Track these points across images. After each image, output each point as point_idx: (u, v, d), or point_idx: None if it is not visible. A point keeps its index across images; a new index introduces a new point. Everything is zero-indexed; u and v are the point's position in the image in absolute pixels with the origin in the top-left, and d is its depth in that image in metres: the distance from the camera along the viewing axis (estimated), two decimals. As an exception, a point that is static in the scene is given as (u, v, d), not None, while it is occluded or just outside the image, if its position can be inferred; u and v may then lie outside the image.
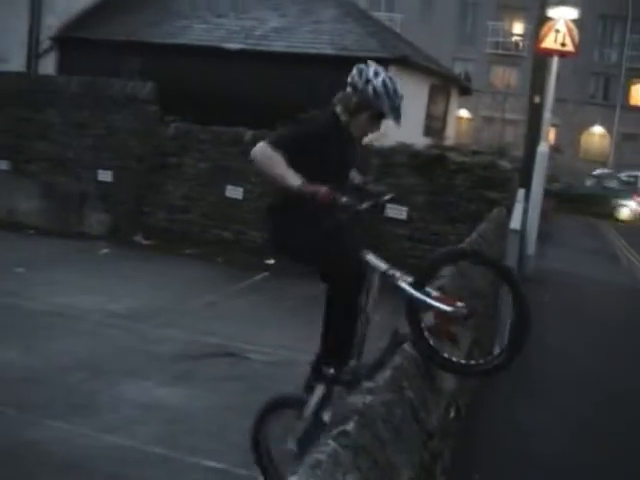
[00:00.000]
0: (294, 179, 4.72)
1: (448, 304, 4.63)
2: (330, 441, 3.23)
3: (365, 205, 5.02)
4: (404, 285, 4.70)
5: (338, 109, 5.18)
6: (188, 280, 15.28)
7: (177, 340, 11.30)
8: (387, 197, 5.35)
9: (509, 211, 13.33)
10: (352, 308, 4.99)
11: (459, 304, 4.64)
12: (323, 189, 4.63)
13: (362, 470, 3.23)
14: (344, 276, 4.94)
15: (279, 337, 11.58)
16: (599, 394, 8.67)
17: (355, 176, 5.48)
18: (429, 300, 4.64)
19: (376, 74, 5.03)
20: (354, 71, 5.11)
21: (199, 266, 16.62)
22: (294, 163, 4.82)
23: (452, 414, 5.72)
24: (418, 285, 4.68)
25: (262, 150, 4.83)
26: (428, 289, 4.72)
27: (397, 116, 5.05)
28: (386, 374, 4.23)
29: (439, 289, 5.40)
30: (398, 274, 4.78)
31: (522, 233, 12.09)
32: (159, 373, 9.88)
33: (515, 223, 9.55)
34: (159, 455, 7.50)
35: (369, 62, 5.16)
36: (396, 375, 4.29)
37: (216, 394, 9.27)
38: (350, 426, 3.41)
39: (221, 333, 11.64)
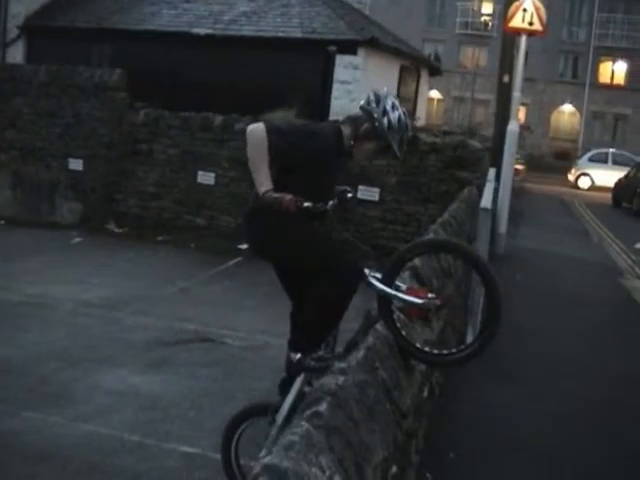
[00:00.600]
0: (265, 182, 4.70)
1: (419, 296, 4.65)
2: (303, 422, 3.24)
3: (330, 205, 5.02)
4: (374, 281, 4.71)
5: (345, 130, 5.07)
6: (161, 267, 15.27)
7: (152, 327, 11.29)
8: (349, 194, 5.33)
9: (480, 190, 13.38)
10: (337, 307, 4.95)
11: (430, 295, 4.67)
12: (287, 197, 4.62)
13: (335, 450, 3.24)
14: (339, 277, 4.86)
15: (253, 321, 11.59)
16: (572, 374, 8.70)
17: None
18: (400, 294, 4.66)
19: (394, 107, 4.97)
20: (371, 96, 5.02)
21: (172, 253, 16.60)
22: (285, 168, 4.85)
23: (425, 393, 5.75)
24: (388, 280, 4.69)
25: (255, 131, 4.76)
26: (398, 283, 4.74)
27: (402, 150, 5.06)
28: (359, 354, 4.23)
29: (413, 275, 5.42)
30: (367, 270, 4.78)
31: (493, 212, 12.13)
32: (134, 361, 9.88)
33: (486, 202, 9.57)
34: (135, 442, 7.51)
35: (387, 92, 5.10)
36: (369, 355, 4.29)
37: (192, 380, 9.29)
38: (323, 407, 3.42)
39: (196, 319, 11.64)
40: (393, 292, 4.66)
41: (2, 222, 18.59)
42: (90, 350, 10.17)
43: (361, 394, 3.90)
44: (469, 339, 8.81)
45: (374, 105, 4.97)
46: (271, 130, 4.76)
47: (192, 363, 9.88)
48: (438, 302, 4.68)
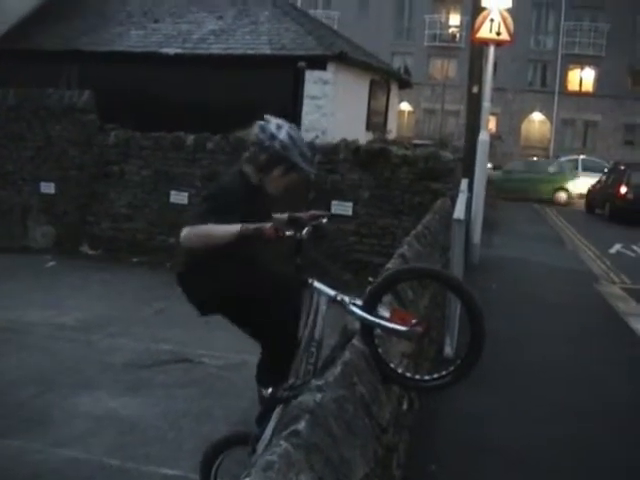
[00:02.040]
0: (232, 227, 4.70)
1: (402, 323, 4.57)
2: (282, 442, 3.20)
3: (305, 233, 4.98)
4: (355, 309, 4.65)
5: (247, 169, 5.12)
6: (136, 288, 15.19)
7: (128, 349, 11.21)
8: (324, 219, 5.32)
9: (454, 201, 13.41)
10: (290, 346, 4.98)
11: (414, 321, 4.59)
12: (267, 225, 4.62)
13: (316, 469, 3.22)
14: (280, 330, 5.02)
15: (229, 340, 11.42)
16: (551, 381, 8.73)
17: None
18: (383, 322, 4.58)
19: (279, 127, 5.04)
20: (256, 129, 5.08)
21: (147, 274, 16.52)
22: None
23: (405, 406, 5.74)
24: (369, 306, 4.63)
25: (188, 232, 4.78)
26: (380, 309, 4.67)
27: (309, 163, 5.10)
28: (336, 370, 4.19)
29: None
30: (347, 299, 4.73)
31: (467, 222, 12.15)
32: (112, 383, 9.79)
33: (459, 213, 9.56)
34: (114, 466, 7.44)
35: (267, 117, 5.14)
36: (346, 371, 4.26)
37: (170, 401, 9.23)
38: (301, 425, 3.38)
39: (172, 339, 11.58)
40: (376, 320, 4.59)
41: (-26, 248, 18.46)
42: (67, 374, 10.07)
43: (340, 410, 3.87)
44: (447, 350, 8.83)
45: (261, 136, 5.03)
46: (197, 222, 4.80)
47: (170, 384, 9.82)
48: (421, 330, 4.62)
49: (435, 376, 4.67)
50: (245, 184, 5.06)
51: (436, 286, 7.79)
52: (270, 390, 5.06)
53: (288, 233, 4.71)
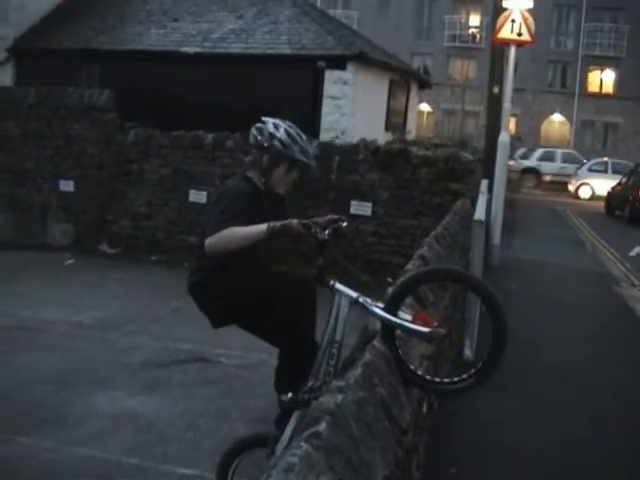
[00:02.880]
0: (259, 227, 4.70)
1: (425, 325, 4.52)
2: (302, 443, 3.16)
3: (327, 234, 4.92)
4: (377, 310, 4.60)
5: (251, 174, 5.19)
6: (155, 287, 15.19)
7: (146, 348, 11.21)
8: (343, 223, 5.26)
9: (473, 202, 13.34)
10: (307, 352, 4.99)
11: (435, 323, 4.54)
12: (294, 221, 4.64)
13: (336, 471, 3.18)
14: (297, 336, 5.07)
15: (247, 339, 11.42)
16: (571, 383, 8.66)
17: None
18: (406, 324, 4.53)
19: (276, 127, 5.10)
20: (254, 132, 5.16)
21: (165, 272, 16.52)
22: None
23: (425, 409, 5.69)
24: (391, 308, 4.59)
25: (213, 240, 4.78)
26: (402, 312, 4.64)
27: (309, 157, 5.12)
28: (356, 372, 4.14)
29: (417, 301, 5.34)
30: (369, 300, 4.69)
31: (487, 223, 12.09)
32: (129, 382, 9.79)
33: (479, 214, 9.51)
34: (132, 465, 7.42)
35: (264, 119, 5.20)
36: (367, 372, 4.22)
37: (188, 400, 9.21)
38: (322, 427, 3.34)
39: (190, 339, 11.55)
40: (398, 321, 4.54)
41: (-7, 245, 18.51)
42: (84, 372, 10.07)
43: (360, 412, 3.82)
44: (467, 352, 8.76)
45: (260, 138, 5.11)
46: (219, 229, 4.78)
47: (187, 383, 9.80)
48: (443, 331, 4.57)
49: (455, 379, 4.63)
50: (254, 189, 5.11)
51: (457, 287, 7.73)
52: (290, 395, 4.98)
53: (316, 229, 4.71)
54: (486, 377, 4.53)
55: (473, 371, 4.55)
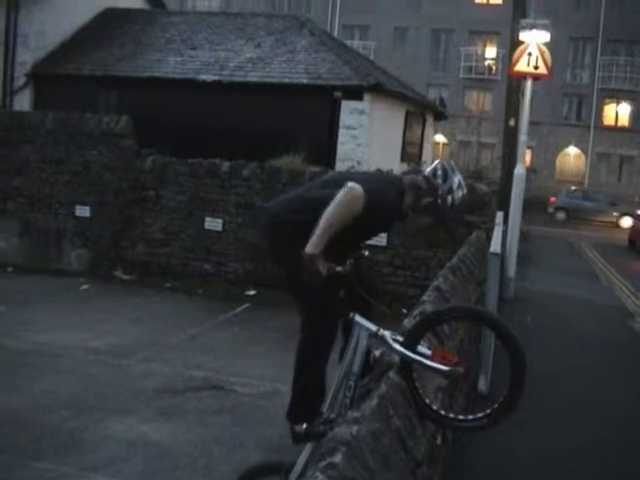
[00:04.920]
0: (319, 246, 4.48)
1: (444, 363, 4.53)
2: (318, 474, 3.17)
3: (348, 266, 4.77)
4: (397, 346, 4.60)
5: (407, 198, 4.86)
6: (170, 314, 15.20)
7: (161, 375, 11.22)
8: (365, 253, 5.11)
9: (488, 234, 13.34)
10: (312, 354, 4.85)
11: (455, 360, 4.54)
12: (326, 272, 4.48)
13: (352, 502, 3.19)
14: (320, 317, 4.78)
15: (263, 368, 11.52)
16: (588, 418, 8.63)
17: None
18: (425, 361, 4.54)
19: (459, 186, 4.82)
20: (439, 170, 4.85)
21: (180, 299, 16.55)
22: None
23: (439, 440, 5.68)
24: (410, 343, 4.59)
25: (356, 197, 4.48)
26: (421, 347, 4.64)
27: (453, 228, 5.03)
28: (372, 403, 4.14)
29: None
30: (388, 334, 4.68)
31: (502, 255, 12.10)
32: (144, 409, 9.80)
33: (495, 246, 9.52)
34: (146, 492, 7.44)
35: (452, 165, 4.93)
36: (382, 403, 4.22)
37: (202, 428, 9.21)
38: (337, 457, 3.34)
39: (205, 366, 11.58)
40: (417, 358, 4.55)
41: (10, 269, 18.54)
42: (99, 398, 10.09)
43: (376, 443, 3.82)
44: (481, 385, 8.76)
45: (440, 181, 4.80)
46: (368, 201, 4.51)
47: (202, 411, 9.81)
48: (462, 370, 4.56)
49: (470, 417, 4.66)
50: (398, 207, 4.82)
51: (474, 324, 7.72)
52: (304, 426, 4.91)
53: (338, 269, 4.58)
54: (500, 419, 4.55)
55: (489, 411, 4.56)
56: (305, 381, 4.89)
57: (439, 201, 4.77)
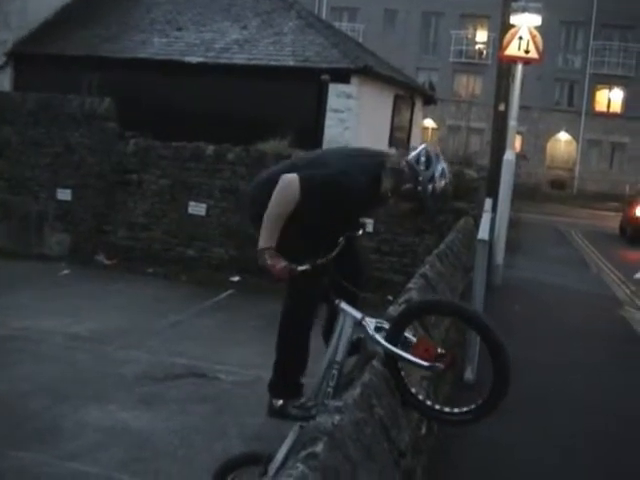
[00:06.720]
0: (269, 240, 4.58)
1: (426, 356, 4.44)
2: (298, 464, 3.11)
3: (336, 249, 4.79)
4: (379, 338, 4.53)
5: (386, 182, 4.76)
6: (152, 300, 15.07)
7: (142, 361, 11.12)
8: (359, 232, 5.05)
9: (477, 221, 13.21)
10: (293, 326, 4.86)
11: (439, 350, 4.48)
12: (281, 264, 4.52)
13: (332, 492, 3.10)
14: (303, 288, 4.74)
15: (246, 356, 11.39)
16: (573, 408, 8.51)
17: None
18: (406, 355, 4.46)
19: (442, 175, 4.70)
20: (422, 156, 4.73)
21: (163, 285, 16.42)
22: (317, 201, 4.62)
23: (423, 430, 5.55)
24: (393, 336, 4.51)
25: (289, 188, 4.56)
26: (405, 338, 4.55)
27: (434, 214, 4.93)
28: (355, 392, 4.10)
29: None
30: (373, 323, 4.63)
31: (490, 242, 11.96)
32: (124, 396, 9.71)
33: (483, 233, 9.36)
34: (123, 481, 7.31)
35: (437, 151, 4.84)
36: (365, 393, 4.18)
37: (183, 416, 9.14)
38: (319, 447, 3.29)
39: (187, 353, 11.47)
40: (399, 352, 4.46)
41: (-11, 254, 18.36)
42: (79, 385, 10.00)
43: (358, 433, 3.77)
44: (467, 374, 8.60)
45: (423, 168, 4.68)
46: (305, 189, 4.55)
47: (183, 399, 9.70)
48: (442, 367, 4.46)
49: (456, 411, 4.55)
50: (370, 190, 4.73)
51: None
52: (280, 402, 4.95)
53: (302, 268, 4.56)
54: (484, 415, 4.46)
55: (473, 407, 4.47)
56: (283, 356, 4.95)
57: (419, 188, 4.66)
